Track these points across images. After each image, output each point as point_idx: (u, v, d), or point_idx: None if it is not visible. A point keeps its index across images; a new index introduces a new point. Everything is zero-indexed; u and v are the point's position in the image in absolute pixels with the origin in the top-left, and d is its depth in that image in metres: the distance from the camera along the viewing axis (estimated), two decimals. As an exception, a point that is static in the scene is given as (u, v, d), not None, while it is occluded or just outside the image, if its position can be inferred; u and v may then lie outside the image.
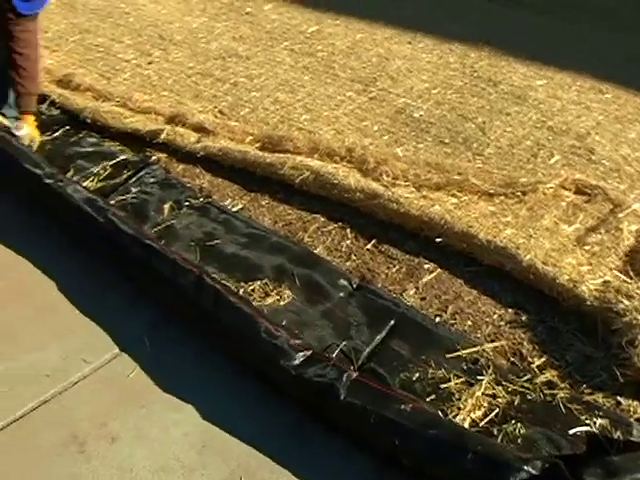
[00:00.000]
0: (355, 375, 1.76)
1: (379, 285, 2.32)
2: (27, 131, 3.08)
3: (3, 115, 3.24)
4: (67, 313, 2.29)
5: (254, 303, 2.21)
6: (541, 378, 1.95)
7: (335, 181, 2.68)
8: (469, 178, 2.65)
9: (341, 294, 2.29)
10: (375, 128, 3.13)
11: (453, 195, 2.62)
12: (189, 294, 2.10)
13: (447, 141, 3.01)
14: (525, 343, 2.08)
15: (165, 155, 3.08)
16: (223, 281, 2.30)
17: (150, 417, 1.89)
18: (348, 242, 2.53)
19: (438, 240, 2.44)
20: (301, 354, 1.83)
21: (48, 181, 2.61)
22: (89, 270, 2.47)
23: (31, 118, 3.16)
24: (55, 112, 3.49)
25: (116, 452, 1.80)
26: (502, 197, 2.61)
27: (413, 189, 2.65)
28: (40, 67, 3.16)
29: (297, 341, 1.88)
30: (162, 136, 3.10)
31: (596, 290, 2.16)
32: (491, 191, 2.63)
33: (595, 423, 1.81)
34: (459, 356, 2.03)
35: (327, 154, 2.88)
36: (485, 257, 2.36)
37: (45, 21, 4.50)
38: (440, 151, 2.94)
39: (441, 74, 3.57)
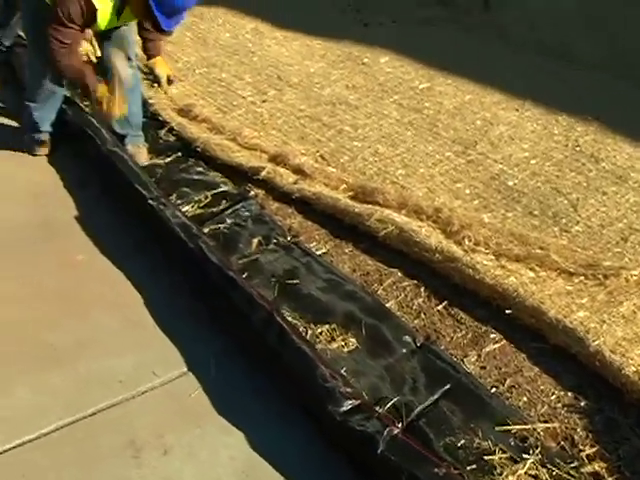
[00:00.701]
0: (396, 431, 1.82)
1: (442, 347, 2.37)
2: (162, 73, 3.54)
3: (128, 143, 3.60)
4: (149, 327, 2.49)
5: (319, 346, 2.33)
6: (588, 468, 1.93)
7: (417, 239, 2.76)
8: (550, 254, 2.65)
9: (404, 350, 2.35)
10: (467, 191, 3.18)
11: (532, 269, 2.63)
12: (258, 329, 2.23)
13: (536, 213, 3.02)
14: (579, 429, 2.06)
15: (263, 192, 3.27)
16: (295, 320, 2.44)
17: (203, 437, 2.03)
18: (420, 300, 2.59)
19: (508, 312, 2.46)
20: (349, 402, 1.92)
21: (152, 202, 2.85)
22: (178, 291, 2.66)
23: (160, 59, 3.53)
24: (171, 139, 3.78)
25: (167, 464, 1.94)
26: (582, 277, 2.60)
27: (492, 257, 2.69)
28: None
29: (348, 389, 1.96)
30: (262, 173, 3.29)
31: (662, 387, 2.11)
32: (571, 270, 2.62)
33: (636, 524, 1.78)
34: (508, 431, 2.04)
35: (415, 211, 2.96)
36: (552, 336, 2.36)
37: (178, 52, 4.90)
38: (527, 222, 2.95)
39: (543, 145, 3.58)
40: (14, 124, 3.89)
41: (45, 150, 3.66)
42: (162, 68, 3.51)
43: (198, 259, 2.54)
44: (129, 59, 3.52)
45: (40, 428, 2.08)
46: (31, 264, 2.83)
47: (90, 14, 3.06)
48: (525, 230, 2.87)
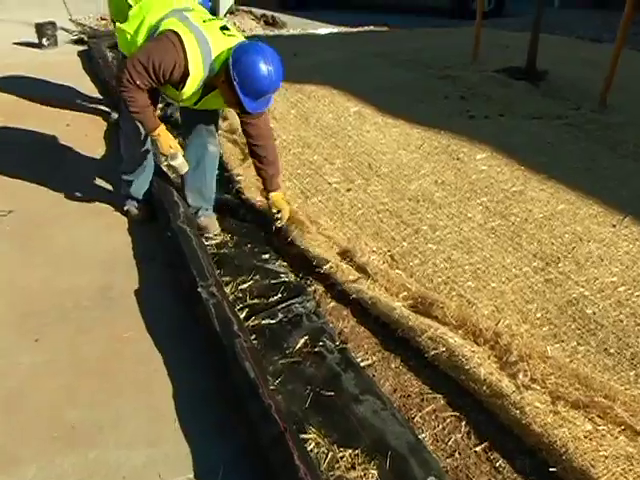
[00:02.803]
0: None
1: (469, 499, 2.13)
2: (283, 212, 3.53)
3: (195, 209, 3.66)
4: (169, 421, 2.41)
5: (337, 472, 2.17)
6: None
7: (467, 366, 2.54)
8: (615, 405, 2.35)
9: (426, 494, 2.13)
10: (538, 315, 2.92)
11: (591, 420, 2.34)
12: (267, 445, 2.10)
13: (612, 351, 2.70)
14: None
15: (322, 287, 3.16)
16: (318, 438, 2.29)
17: None
18: (458, 436, 2.36)
19: (552, 469, 2.18)
20: None
21: (200, 290, 2.81)
22: (206, 386, 2.58)
23: (279, 195, 3.55)
24: (248, 217, 3.80)
25: None
26: (649, 439, 2.28)
27: (548, 398, 2.42)
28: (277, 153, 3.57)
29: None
30: (325, 267, 3.20)
31: None
32: (638, 428, 2.30)
33: None
34: None
35: (473, 332, 2.75)
36: (599, 508, 2.06)
37: (279, 130, 4.97)
38: (600, 361, 2.65)
39: (636, 270, 3.24)
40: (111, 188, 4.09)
41: (139, 217, 3.78)
42: (281, 204, 3.55)
43: (228, 360, 2.46)
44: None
45: (38, 514, 2.07)
46: (81, 332, 2.88)
47: (179, 77, 3.01)
48: (594, 370, 2.58)
